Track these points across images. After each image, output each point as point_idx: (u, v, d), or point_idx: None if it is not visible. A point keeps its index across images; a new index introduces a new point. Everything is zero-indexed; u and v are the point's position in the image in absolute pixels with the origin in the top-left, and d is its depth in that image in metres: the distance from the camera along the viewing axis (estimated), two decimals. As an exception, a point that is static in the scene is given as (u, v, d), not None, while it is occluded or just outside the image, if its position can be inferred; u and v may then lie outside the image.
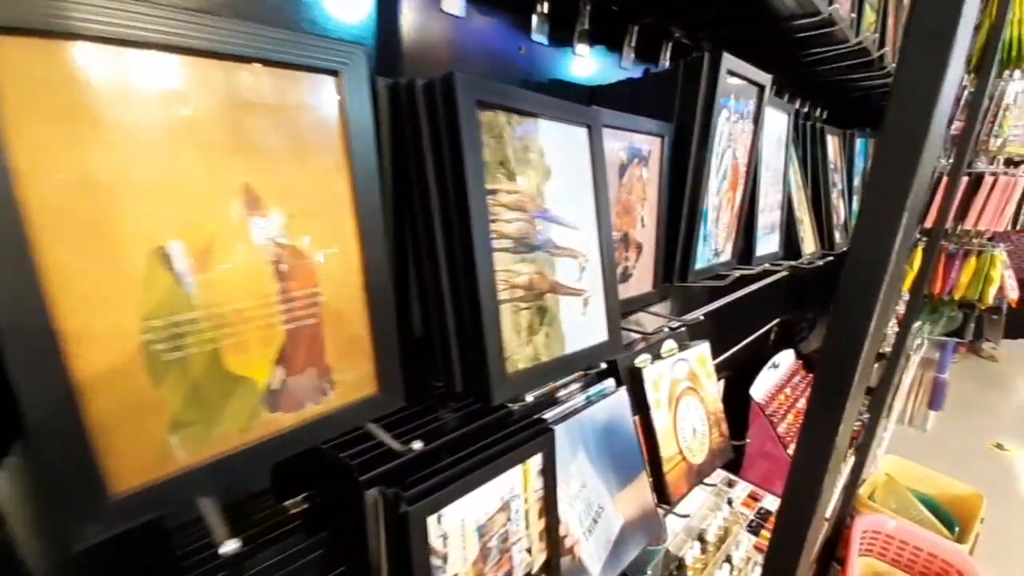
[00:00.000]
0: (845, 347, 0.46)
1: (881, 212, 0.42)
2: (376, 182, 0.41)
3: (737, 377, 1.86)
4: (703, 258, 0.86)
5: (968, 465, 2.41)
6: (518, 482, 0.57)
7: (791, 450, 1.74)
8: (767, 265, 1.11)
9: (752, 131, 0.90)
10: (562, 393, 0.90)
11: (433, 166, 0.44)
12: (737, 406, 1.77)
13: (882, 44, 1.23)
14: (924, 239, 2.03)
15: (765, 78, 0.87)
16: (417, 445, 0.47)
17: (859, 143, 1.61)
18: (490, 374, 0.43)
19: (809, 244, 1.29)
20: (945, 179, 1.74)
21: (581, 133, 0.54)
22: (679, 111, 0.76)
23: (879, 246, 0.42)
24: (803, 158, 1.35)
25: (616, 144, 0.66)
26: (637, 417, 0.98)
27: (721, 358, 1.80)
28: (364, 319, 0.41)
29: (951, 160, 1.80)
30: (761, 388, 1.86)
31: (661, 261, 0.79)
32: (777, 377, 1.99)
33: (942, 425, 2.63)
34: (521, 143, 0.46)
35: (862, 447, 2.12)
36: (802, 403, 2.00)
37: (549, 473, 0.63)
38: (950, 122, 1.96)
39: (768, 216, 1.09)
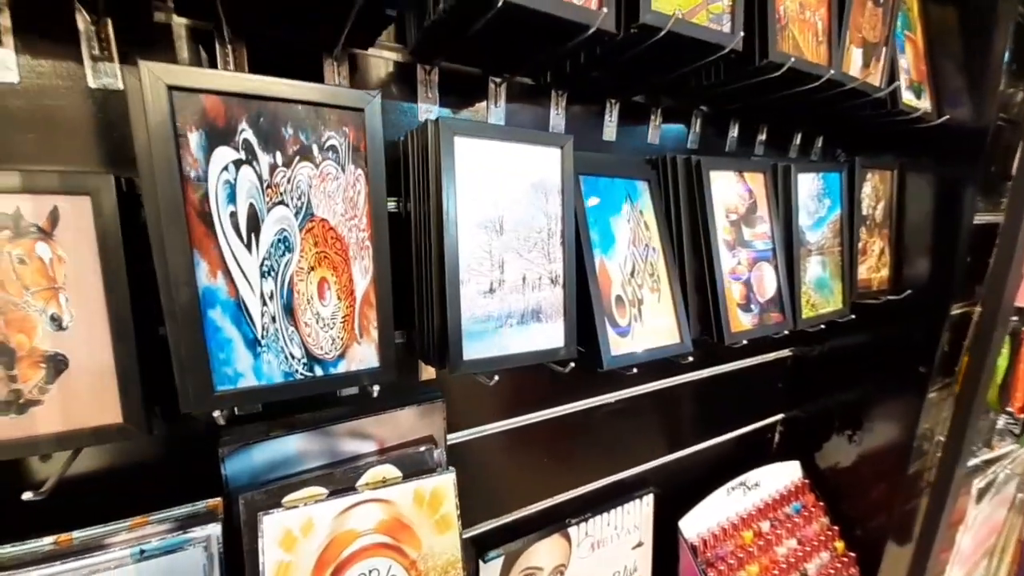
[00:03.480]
0: None
1: None
2: None
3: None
4: (258, 372, 0.53)
5: None
6: None
7: (732, 627, 1.12)
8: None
9: (363, 177, 0.55)
10: (119, 538, 0.62)
11: None
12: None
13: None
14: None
15: (356, 98, 0.53)
16: None
17: (817, 179, 1.04)
18: None
19: (660, 333, 0.81)
20: None
21: None
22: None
23: None
24: (672, 207, 0.89)
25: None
26: (255, 589, 0.64)
27: (642, 467, 1.27)
28: None
29: None
30: (708, 518, 1.27)
31: (134, 379, 0.49)
32: (749, 504, 1.35)
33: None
34: None
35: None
36: (788, 546, 1.31)
37: None
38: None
39: (519, 298, 0.68)
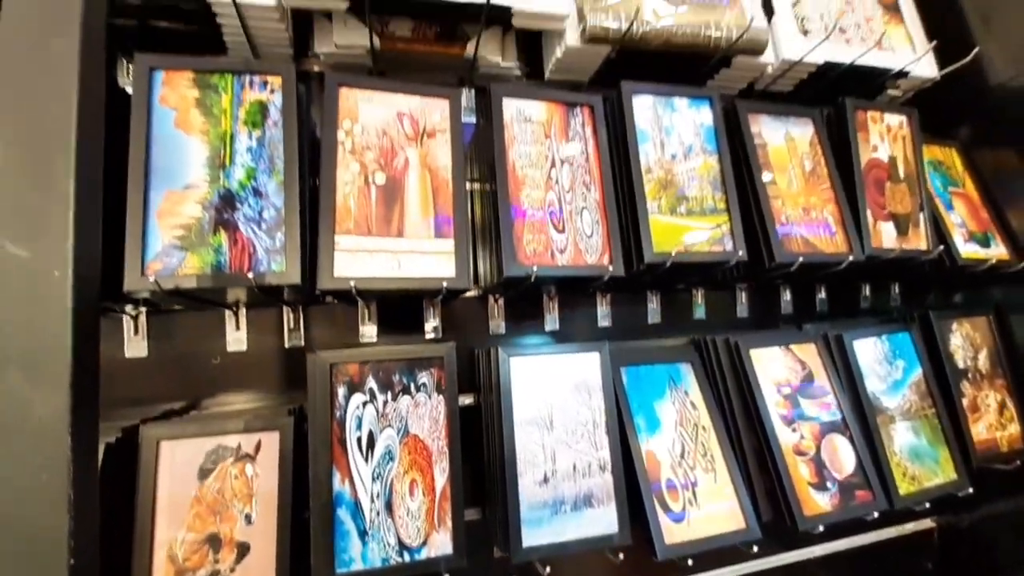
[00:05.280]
0: None
1: None
2: None
3: None
4: (364, 558, 0.70)
5: None
6: None
7: None
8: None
9: (443, 402, 0.76)
10: None
11: None
12: None
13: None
14: None
15: (439, 350, 0.77)
16: None
17: (880, 342, 1.03)
18: None
19: (721, 518, 0.83)
20: None
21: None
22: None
23: None
24: (720, 386, 0.97)
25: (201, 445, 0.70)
26: None
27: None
28: None
29: None
30: None
31: (286, 562, 0.69)
32: None
33: None
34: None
35: None
36: None
37: None
38: None
39: (571, 485, 0.80)
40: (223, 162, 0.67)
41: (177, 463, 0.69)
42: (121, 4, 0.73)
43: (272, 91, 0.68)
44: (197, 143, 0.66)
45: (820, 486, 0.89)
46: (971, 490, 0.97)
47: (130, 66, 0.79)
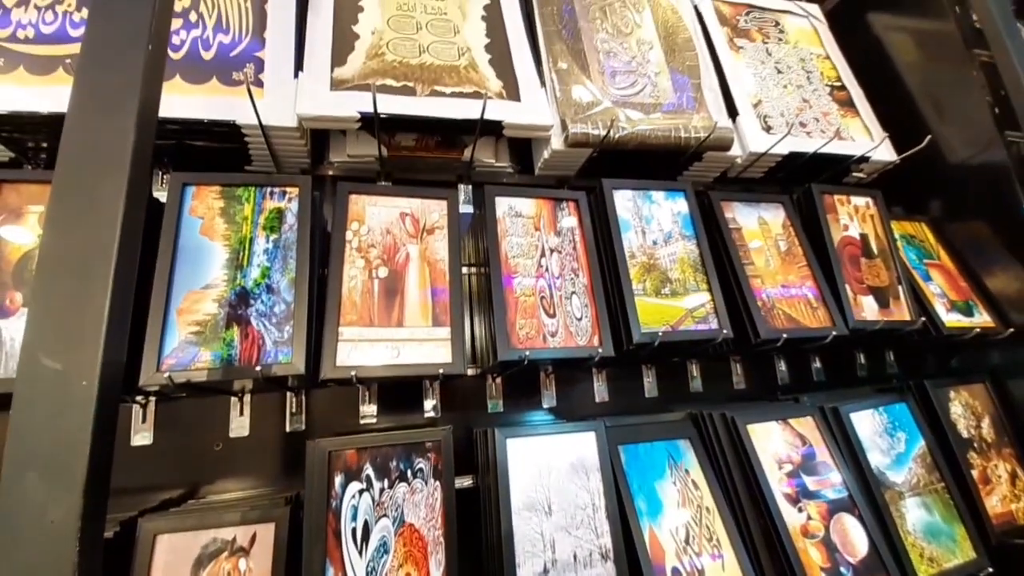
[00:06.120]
0: None
1: None
2: None
3: None
4: (357, 663, 0.66)
5: None
6: None
7: None
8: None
9: (440, 488, 0.76)
10: None
11: None
12: None
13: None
14: None
15: (436, 434, 0.78)
16: None
17: (878, 414, 1.03)
18: None
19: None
20: None
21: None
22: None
23: None
24: (721, 463, 0.95)
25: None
26: None
27: None
28: None
29: None
30: None
31: (275, 669, 0.66)
32: None
33: None
34: None
35: None
36: None
37: None
38: None
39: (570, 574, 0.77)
40: (241, 263, 0.73)
41: (172, 556, 0.68)
42: (162, 128, 0.83)
43: (290, 200, 0.76)
44: (219, 248, 0.73)
45: (833, 572, 0.85)
46: (991, 569, 0.91)
47: (165, 176, 0.89)
